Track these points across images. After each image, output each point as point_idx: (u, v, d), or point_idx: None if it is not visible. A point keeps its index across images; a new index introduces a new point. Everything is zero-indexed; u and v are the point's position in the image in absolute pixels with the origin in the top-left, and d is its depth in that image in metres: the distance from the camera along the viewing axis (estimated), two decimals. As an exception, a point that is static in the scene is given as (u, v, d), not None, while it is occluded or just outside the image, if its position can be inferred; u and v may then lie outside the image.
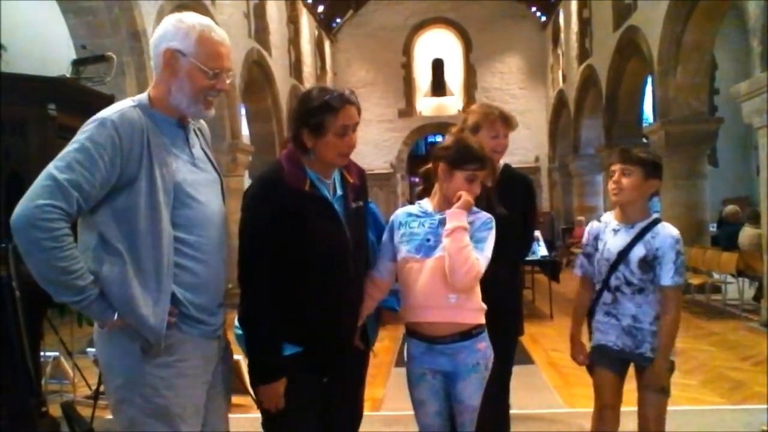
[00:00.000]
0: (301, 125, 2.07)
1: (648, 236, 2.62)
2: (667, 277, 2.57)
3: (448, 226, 2.22)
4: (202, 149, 2.03)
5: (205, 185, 1.95)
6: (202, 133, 2.08)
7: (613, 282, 2.67)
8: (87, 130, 1.78)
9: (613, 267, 2.66)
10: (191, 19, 1.90)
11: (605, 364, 2.72)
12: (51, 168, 1.72)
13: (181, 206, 1.85)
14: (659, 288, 2.60)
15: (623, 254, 2.63)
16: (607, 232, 2.74)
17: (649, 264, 2.59)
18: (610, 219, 2.79)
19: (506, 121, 2.85)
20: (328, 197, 2.13)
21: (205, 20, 1.91)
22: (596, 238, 2.78)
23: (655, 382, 2.59)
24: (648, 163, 2.65)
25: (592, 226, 2.86)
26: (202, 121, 2.09)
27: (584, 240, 2.87)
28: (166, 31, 1.88)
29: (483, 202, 2.40)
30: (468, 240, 2.21)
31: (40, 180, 1.71)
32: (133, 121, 1.80)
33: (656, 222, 2.66)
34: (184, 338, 1.85)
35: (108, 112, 1.81)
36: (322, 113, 2.04)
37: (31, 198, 1.67)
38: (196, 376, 1.88)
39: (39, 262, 1.68)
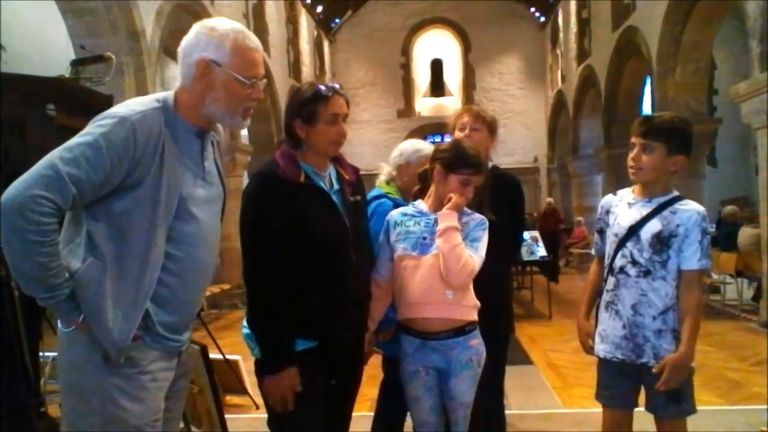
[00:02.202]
0: (294, 116, 2.16)
1: (666, 212, 2.35)
2: (693, 259, 2.31)
3: (440, 226, 2.27)
4: (215, 161, 1.95)
5: (207, 202, 1.87)
6: (218, 145, 1.99)
7: (618, 261, 2.41)
8: (105, 124, 1.66)
9: (621, 242, 2.40)
10: (224, 25, 1.80)
11: (609, 392, 2.48)
12: (56, 157, 1.61)
13: (178, 220, 1.76)
14: (681, 272, 2.33)
15: (634, 228, 2.37)
16: (621, 205, 2.48)
17: (664, 243, 2.33)
18: (626, 193, 2.52)
19: (472, 113, 2.85)
20: (323, 187, 2.18)
21: (237, 26, 1.82)
22: (608, 212, 2.53)
23: (674, 376, 2.28)
24: (675, 136, 2.34)
25: (606, 199, 2.60)
26: (221, 130, 2.00)
27: (597, 215, 2.64)
28: (198, 40, 1.78)
29: (474, 206, 2.43)
30: (460, 239, 2.26)
31: (41, 167, 1.59)
32: (152, 126, 1.71)
33: (678, 198, 2.39)
34: (148, 351, 1.76)
35: (130, 110, 1.71)
36: (313, 103, 2.13)
37: (27, 185, 1.57)
38: (156, 390, 1.79)
39: (17, 252, 1.57)
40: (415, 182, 2.76)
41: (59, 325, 1.76)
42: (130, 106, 1.74)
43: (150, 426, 1.76)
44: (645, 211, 2.39)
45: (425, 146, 3.01)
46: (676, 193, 2.43)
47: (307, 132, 2.14)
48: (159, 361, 1.79)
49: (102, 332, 1.67)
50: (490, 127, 2.90)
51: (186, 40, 1.81)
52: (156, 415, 1.78)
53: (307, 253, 2.11)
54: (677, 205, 2.37)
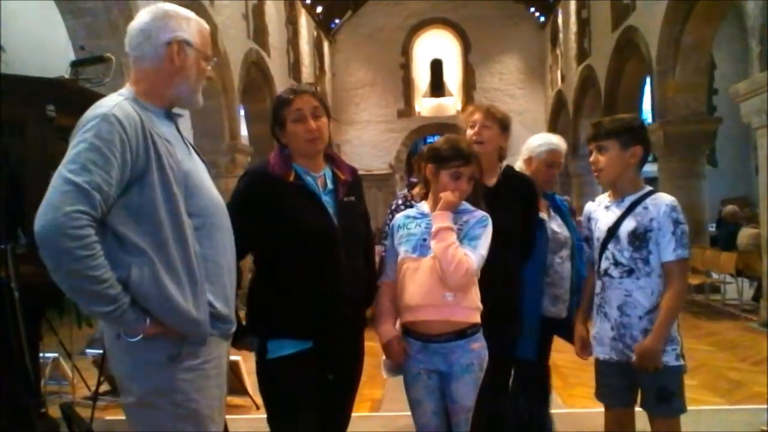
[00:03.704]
0: (273, 125, 2.27)
1: (639, 208, 2.40)
2: (668, 251, 2.33)
3: (433, 228, 2.26)
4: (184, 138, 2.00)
5: (203, 173, 1.93)
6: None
7: (603, 264, 2.46)
8: (90, 127, 1.67)
9: (603, 245, 2.46)
10: (180, 9, 1.88)
11: (608, 390, 2.52)
12: (64, 172, 1.60)
13: (191, 195, 1.79)
14: (661, 264, 2.36)
15: (612, 230, 2.43)
16: (599, 209, 2.56)
17: (641, 239, 2.37)
18: (603, 197, 2.60)
19: (482, 111, 2.82)
20: (312, 187, 2.22)
21: (182, 8, 1.90)
22: (590, 219, 2.62)
23: (643, 364, 2.31)
24: (623, 130, 2.42)
25: (586, 207, 2.68)
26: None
27: (582, 224, 2.73)
28: (165, 22, 1.83)
29: (471, 198, 2.40)
30: (453, 239, 2.23)
31: (57, 186, 1.59)
32: (133, 115, 1.73)
33: (650, 193, 2.44)
34: (208, 340, 1.80)
35: (105, 108, 1.71)
36: (279, 107, 2.26)
37: (55, 206, 1.55)
38: (218, 377, 1.85)
39: (70, 273, 1.56)
40: (541, 176, 3.04)
41: (107, 336, 1.76)
42: (102, 104, 1.76)
43: (218, 411, 1.84)
44: (620, 211, 2.45)
45: (545, 141, 3.11)
46: (647, 188, 2.48)
47: (284, 135, 2.25)
48: (216, 348, 1.85)
49: (181, 318, 1.69)
50: (502, 123, 2.84)
51: (145, 24, 1.84)
52: (222, 400, 1.87)
53: (293, 250, 2.15)
54: (648, 201, 2.41)
